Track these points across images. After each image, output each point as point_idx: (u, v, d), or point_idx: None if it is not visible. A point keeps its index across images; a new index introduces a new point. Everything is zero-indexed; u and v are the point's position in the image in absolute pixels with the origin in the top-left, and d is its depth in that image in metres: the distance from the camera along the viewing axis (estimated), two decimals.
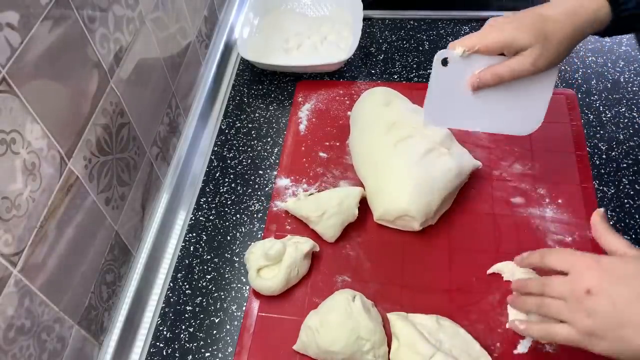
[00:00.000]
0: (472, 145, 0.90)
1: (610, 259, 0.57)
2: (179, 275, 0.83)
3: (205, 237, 0.87)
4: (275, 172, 0.93)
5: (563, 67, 1.02)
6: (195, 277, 0.83)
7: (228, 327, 0.77)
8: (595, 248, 0.77)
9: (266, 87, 1.07)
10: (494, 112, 0.73)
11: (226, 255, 0.84)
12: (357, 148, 0.89)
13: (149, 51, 0.82)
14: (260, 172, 0.94)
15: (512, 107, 0.72)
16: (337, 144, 0.94)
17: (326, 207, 0.80)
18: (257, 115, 1.03)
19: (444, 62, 0.69)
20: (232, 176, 0.94)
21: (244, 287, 0.81)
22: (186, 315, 0.79)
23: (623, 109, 0.94)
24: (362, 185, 0.89)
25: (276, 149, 0.97)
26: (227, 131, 1.01)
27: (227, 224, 0.88)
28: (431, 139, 0.82)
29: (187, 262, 0.84)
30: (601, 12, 0.65)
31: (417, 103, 0.92)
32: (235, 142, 0.99)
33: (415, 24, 1.14)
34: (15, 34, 0.53)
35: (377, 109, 0.89)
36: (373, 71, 1.06)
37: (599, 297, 0.53)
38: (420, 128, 0.82)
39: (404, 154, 0.80)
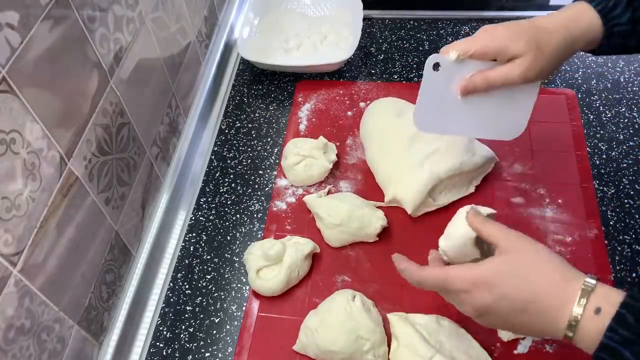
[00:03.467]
0: None
1: (491, 271, 0.56)
2: (179, 275, 0.83)
3: (205, 237, 0.87)
4: (275, 172, 0.93)
5: (563, 67, 1.02)
6: (195, 277, 0.83)
7: (228, 327, 0.77)
8: (595, 248, 0.77)
9: (266, 87, 1.07)
10: (480, 118, 0.74)
11: (226, 255, 0.84)
12: (379, 164, 0.87)
13: (149, 51, 0.82)
14: (260, 172, 0.94)
15: (498, 113, 0.73)
16: (337, 144, 0.94)
17: (344, 222, 0.79)
18: (257, 115, 1.03)
19: (435, 66, 0.69)
20: (232, 176, 0.94)
21: (244, 287, 0.81)
22: (186, 315, 0.79)
23: (623, 109, 0.94)
24: (362, 185, 0.89)
25: (276, 149, 0.97)
26: (227, 131, 1.01)
27: (227, 224, 0.88)
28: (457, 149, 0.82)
29: (187, 262, 0.84)
30: (593, 27, 0.66)
31: None
32: (235, 142, 0.99)
33: (415, 24, 1.14)
34: (15, 34, 0.53)
35: (390, 122, 0.88)
36: (373, 71, 1.06)
37: (489, 317, 0.57)
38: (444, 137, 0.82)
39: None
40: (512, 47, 0.64)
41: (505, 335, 0.70)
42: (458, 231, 0.63)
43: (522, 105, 0.72)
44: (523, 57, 0.64)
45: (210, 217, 0.89)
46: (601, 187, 0.85)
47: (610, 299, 0.49)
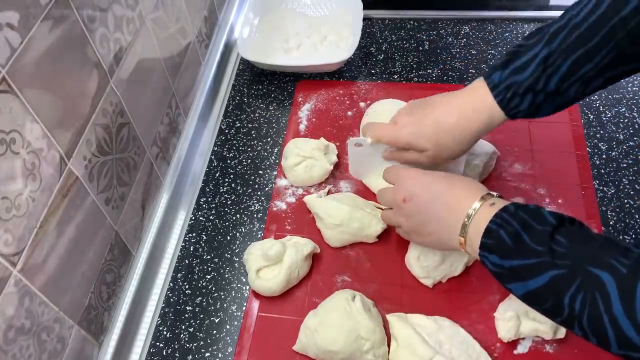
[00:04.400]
0: None
1: (418, 171, 0.71)
2: (179, 275, 0.83)
3: (205, 237, 0.87)
4: (275, 172, 0.93)
5: None
6: (195, 277, 0.83)
7: (228, 327, 0.77)
8: None
9: (266, 87, 1.07)
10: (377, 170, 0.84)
11: (226, 255, 0.84)
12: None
13: (149, 51, 0.82)
14: (260, 172, 0.94)
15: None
16: (337, 144, 0.94)
17: (345, 222, 0.79)
18: (257, 115, 1.03)
19: (357, 144, 0.82)
20: (232, 176, 0.94)
21: (244, 287, 0.81)
22: (186, 315, 0.79)
23: (623, 109, 0.94)
24: (362, 185, 0.89)
25: (276, 149, 0.97)
26: (227, 131, 1.01)
27: (227, 224, 0.88)
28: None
29: (187, 262, 0.84)
30: (495, 115, 0.68)
31: None
32: (235, 142, 0.99)
33: (415, 24, 1.14)
34: (15, 34, 0.53)
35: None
36: (373, 71, 1.06)
37: (411, 204, 0.68)
38: None
39: None
40: (418, 144, 0.72)
41: (504, 334, 0.70)
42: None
43: (451, 169, 0.79)
44: (428, 151, 0.72)
45: (210, 217, 0.89)
46: (601, 187, 0.85)
47: (503, 201, 0.61)
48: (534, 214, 0.57)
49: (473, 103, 0.68)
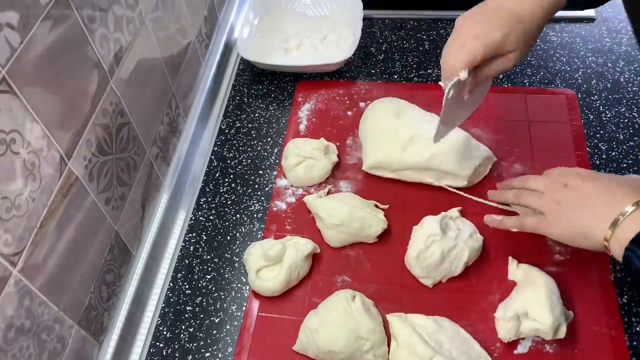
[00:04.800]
0: None
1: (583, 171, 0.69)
2: (179, 275, 0.83)
3: (205, 237, 0.87)
4: (275, 172, 0.93)
5: (563, 68, 1.02)
6: (195, 277, 0.83)
7: (228, 327, 0.77)
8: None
9: (266, 87, 1.07)
10: (463, 112, 0.79)
11: (226, 255, 0.84)
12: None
13: (149, 51, 0.82)
14: (260, 172, 0.94)
15: (470, 106, 0.79)
16: (337, 144, 0.94)
17: (345, 222, 0.79)
18: (257, 115, 1.03)
19: (449, 91, 0.70)
20: (232, 176, 0.94)
21: (244, 287, 0.81)
22: (186, 315, 0.79)
23: (623, 109, 0.94)
24: (362, 185, 0.89)
25: (276, 149, 0.97)
26: (227, 131, 1.01)
27: (227, 224, 0.88)
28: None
29: (187, 262, 0.84)
30: None
31: (417, 102, 0.92)
32: (235, 142, 0.99)
33: (415, 24, 1.14)
34: (15, 34, 0.53)
35: (389, 122, 0.88)
36: (373, 71, 1.06)
37: (571, 189, 0.66)
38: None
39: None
40: (506, 46, 0.67)
41: (504, 334, 0.70)
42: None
43: (481, 94, 0.78)
44: (516, 51, 0.68)
45: (210, 217, 0.89)
46: None
47: None
48: None
49: None
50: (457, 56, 0.67)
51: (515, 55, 0.69)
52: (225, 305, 0.79)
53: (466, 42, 0.67)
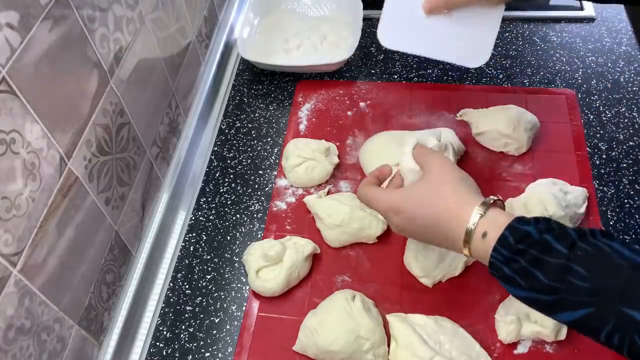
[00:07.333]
0: (473, 146, 0.90)
1: (400, 198, 0.64)
2: (179, 275, 0.83)
3: (205, 237, 0.87)
4: (275, 172, 0.93)
5: (563, 67, 1.02)
6: (195, 277, 0.83)
7: (228, 327, 0.77)
8: None
9: (266, 87, 1.07)
10: (444, 40, 0.75)
11: (226, 255, 0.84)
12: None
13: (149, 51, 0.82)
14: (260, 172, 0.94)
15: (462, 37, 0.75)
16: (337, 144, 0.94)
17: (345, 223, 0.79)
18: (257, 115, 1.03)
19: None
20: (232, 176, 0.94)
21: (244, 287, 0.81)
22: (186, 315, 0.79)
23: (623, 109, 0.94)
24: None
25: (276, 149, 0.97)
26: (227, 131, 1.01)
27: (227, 224, 0.88)
28: None
29: (187, 262, 0.84)
30: None
31: (417, 102, 0.92)
32: (235, 142, 0.99)
33: None
34: (15, 34, 0.53)
35: (393, 152, 0.84)
36: (373, 71, 1.06)
37: (406, 233, 0.65)
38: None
39: None
40: None
41: (505, 336, 0.70)
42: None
43: (486, 31, 0.74)
44: None
45: (210, 217, 0.89)
46: (601, 187, 0.85)
47: (498, 222, 0.55)
48: (540, 243, 0.51)
49: None
50: None
51: None
52: (225, 305, 0.79)
53: None
